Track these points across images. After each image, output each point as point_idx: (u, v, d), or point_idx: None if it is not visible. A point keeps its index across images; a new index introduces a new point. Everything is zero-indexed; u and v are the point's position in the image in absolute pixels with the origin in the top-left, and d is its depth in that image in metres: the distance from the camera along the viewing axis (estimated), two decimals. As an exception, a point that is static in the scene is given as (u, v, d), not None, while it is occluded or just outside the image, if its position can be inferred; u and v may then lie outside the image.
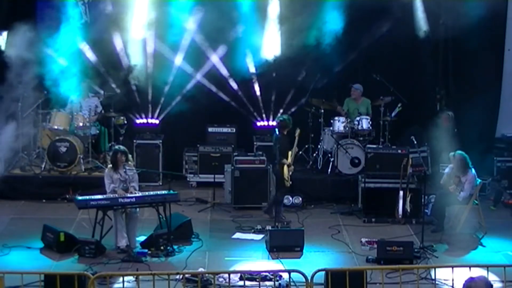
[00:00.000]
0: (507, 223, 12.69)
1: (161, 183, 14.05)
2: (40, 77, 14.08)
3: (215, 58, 14.90)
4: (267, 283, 9.75)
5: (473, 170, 12.03)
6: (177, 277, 9.51)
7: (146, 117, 14.94)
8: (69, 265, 10.54)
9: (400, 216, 12.52)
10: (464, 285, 6.25)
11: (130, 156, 11.55)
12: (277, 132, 12.62)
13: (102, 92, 14.52)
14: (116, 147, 11.69)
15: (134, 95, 14.94)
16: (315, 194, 13.76)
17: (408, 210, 12.46)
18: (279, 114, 14.44)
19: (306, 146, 14.60)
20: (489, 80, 15.19)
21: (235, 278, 9.87)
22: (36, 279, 8.89)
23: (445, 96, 15.02)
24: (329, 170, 14.12)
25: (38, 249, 11.12)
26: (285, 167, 12.38)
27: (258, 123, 15.13)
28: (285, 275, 9.68)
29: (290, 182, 12.48)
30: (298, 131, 12.58)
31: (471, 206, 11.94)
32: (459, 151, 12.13)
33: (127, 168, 11.29)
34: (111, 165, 11.36)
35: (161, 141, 14.49)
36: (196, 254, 11.10)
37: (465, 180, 11.95)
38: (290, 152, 12.46)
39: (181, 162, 14.62)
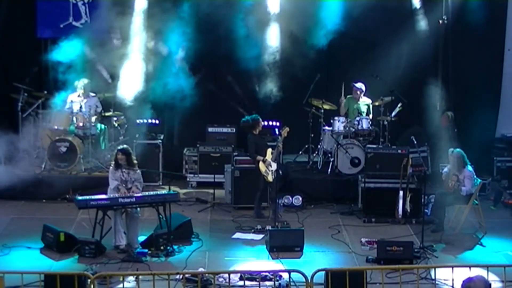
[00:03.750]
0: (507, 223, 12.69)
1: (161, 183, 14.05)
2: (40, 77, 14.11)
3: (214, 58, 14.90)
4: (267, 283, 9.75)
5: (470, 167, 12.04)
6: (177, 277, 9.52)
7: (146, 117, 14.92)
8: (69, 265, 10.53)
9: (400, 216, 12.52)
10: (462, 285, 6.25)
11: (134, 158, 11.46)
12: (249, 133, 12.70)
13: (101, 92, 14.53)
14: (119, 147, 11.65)
15: (134, 95, 14.92)
16: (315, 194, 13.76)
17: (408, 210, 12.46)
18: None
19: (306, 146, 14.61)
20: (489, 80, 15.20)
21: (235, 278, 9.87)
22: (36, 279, 8.88)
23: (445, 96, 15.03)
24: (329, 170, 14.13)
25: (38, 249, 11.10)
26: (261, 163, 12.42)
27: (258, 123, 15.10)
28: (285, 275, 9.68)
29: (273, 176, 12.38)
30: (285, 129, 12.52)
31: (471, 206, 11.95)
32: (457, 149, 12.15)
33: (131, 171, 11.27)
34: (113, 163, 11.37)
35: (161, 141, 14.49)
36: (196, 254, 11.10)
37: (463, 178, 11.97)
38: (269, 150, 12.47)
39: (181, 162, 14.62)
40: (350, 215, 12.99)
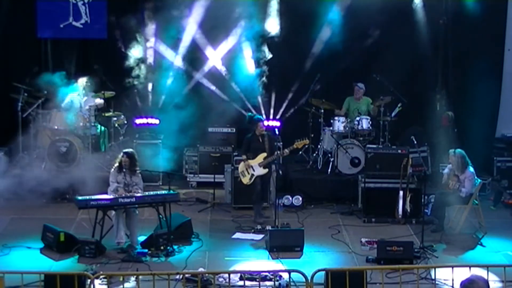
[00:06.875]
0: (507, 223, 12.69)
1: (161, 183, 14.04)
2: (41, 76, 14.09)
3: (215, 58, 14.90)
4: (267, 283, 9.75)
5: (471, 168, 12.04)
6: (177, 277, 9.51)
7: (146, 117, 14.92)
8: (69, 265, 10.53)
9: (400, 216, 12.52)
10: (461, 286, 6.22)
11: (137, 162, 11.43)
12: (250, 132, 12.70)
13: (102, 91, 14.53)
14: (124, 150, 11.60)
15: (134, 95, 14.93)
16: (315, 194, 13.75)
17: (408, 210, 12.46)
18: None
19: (306, 146, 14.60)
20: (489, 80, 15.20)
21: (235, 278, 9.87)
22: (36, 279, 8.88)
23: (445, 96, 15.03)
24: (329, 170, 14.12)
25: (38, 249, 11.11)
26: (241, 163, 12.47)
27: (258, 123, 15.09)
28: (285, 275, 9.67)
29: (251, 181, 12.40)
30: (302, 141, 12.50)
31: (471, 206, 11.95)
32: (459, 149, 12.15)
33: (133, 174, 11.24)
34: (117, 165, 11.34)
35: (161, 141, 14.49)
36: (196, 254, 11.09)
37: (464, 178, 11.97)
38: (263, 154, 12.41)
39: (181, 162, 14.62)
40: (350, 215, 12.99)
